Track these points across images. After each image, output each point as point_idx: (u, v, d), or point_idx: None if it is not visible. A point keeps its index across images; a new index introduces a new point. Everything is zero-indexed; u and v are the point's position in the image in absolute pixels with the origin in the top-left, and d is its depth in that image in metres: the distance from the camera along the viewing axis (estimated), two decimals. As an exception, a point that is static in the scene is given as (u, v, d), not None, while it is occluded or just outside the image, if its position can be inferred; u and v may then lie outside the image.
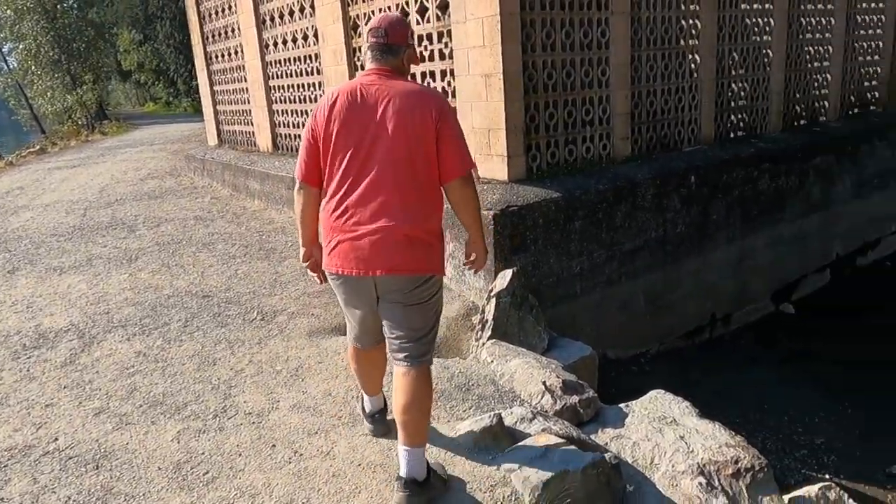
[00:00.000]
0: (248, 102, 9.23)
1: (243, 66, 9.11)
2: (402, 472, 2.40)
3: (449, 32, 5.30)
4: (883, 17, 8.14)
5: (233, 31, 9.22)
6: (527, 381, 3.47)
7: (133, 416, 3.26)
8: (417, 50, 2.73)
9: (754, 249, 6.58)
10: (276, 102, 8.52)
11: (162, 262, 6.00)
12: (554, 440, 2.68)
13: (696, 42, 6.19)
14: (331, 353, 3.85)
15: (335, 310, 4.58)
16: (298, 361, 3.76)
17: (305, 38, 7.43)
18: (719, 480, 2.88)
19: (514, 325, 4.34)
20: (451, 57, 5.34)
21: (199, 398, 3.39)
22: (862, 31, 7.95)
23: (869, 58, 8.18)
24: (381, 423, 2.92)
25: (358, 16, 6.37)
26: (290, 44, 7.80)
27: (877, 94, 8.42)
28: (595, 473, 2.51)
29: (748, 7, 6.60)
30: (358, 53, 6.53)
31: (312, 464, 2.73)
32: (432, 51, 5.56)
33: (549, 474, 2.46)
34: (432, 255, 2.44)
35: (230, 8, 9.10)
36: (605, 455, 2.63)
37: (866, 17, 7.96)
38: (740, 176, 6.28)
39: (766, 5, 6.74)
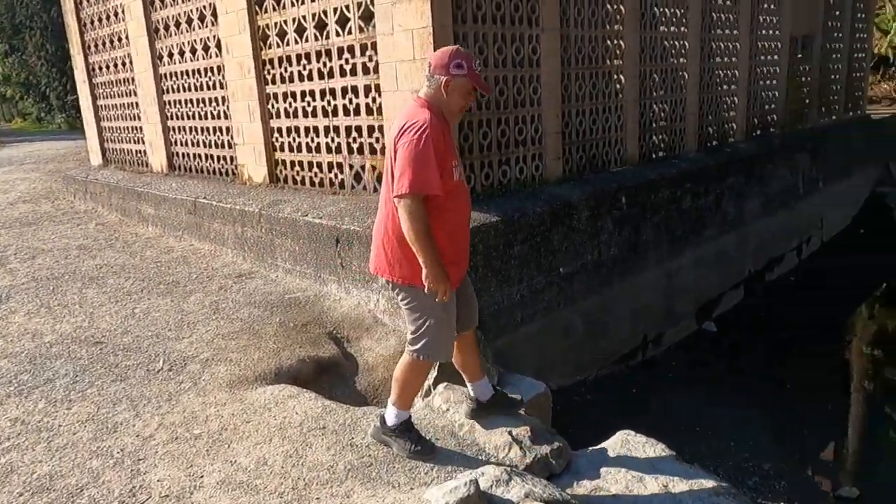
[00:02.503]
0: (140, 119, 8.36)
1: (132, 79, 8.26)
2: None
3: (374, 45, 4.91)
4: (779, 43, 8.54)
5: (120, 40, 8.34)
6: (490, 431, 3.10)
7: (10, 508, 2.59)
8: (451, 78, 2.67)
9: (680, 269, 6.58)
10: (173, 119, 7.74)
11: (40, 302, 5.15)
12: (543, 509, 2.32)
13: (621, 62, 6.14)
14: (259, 408, 3.30)
15: (256, 354, 4.01)
16: (220, 421, 3.19)
17: (206, 48, 6.77)
18: (715, 535, 2.62)
19: (462, 362, 3.95)
20: (376, 71, 4.95)
21: (99, 478, 2.75)
22: (762, 57, 8.30)
23: (768, 82, 8.55)
24: (480, 409, 3.20)
25: (268, 25, 5.84)
26: (188, 55, 7.10)
27: (775, 117, 8.82)
28: (597, 547, 2.17)
29: (666, 29, 6.66)
30: (268, 66, 5.99)
31: (254, 561, 2.21)
32: (354, 64, 5.15)
33: (548, 555, 2.09)
34: (393, 265, 2.77)
35: (117, 15, 8.22)
36: (604, 523, 2.30)
37: (765, 44, 8.31)
38: (666, 195, 6.27)
39: (682, 28, 6.84)
